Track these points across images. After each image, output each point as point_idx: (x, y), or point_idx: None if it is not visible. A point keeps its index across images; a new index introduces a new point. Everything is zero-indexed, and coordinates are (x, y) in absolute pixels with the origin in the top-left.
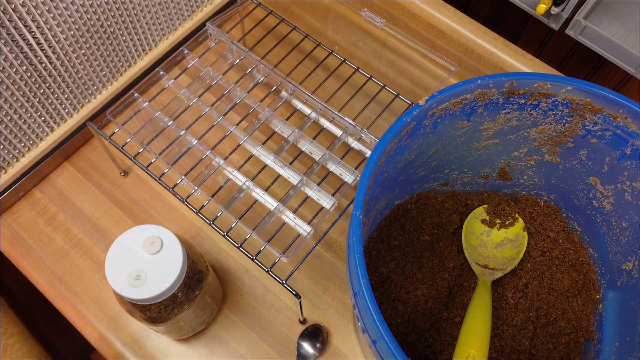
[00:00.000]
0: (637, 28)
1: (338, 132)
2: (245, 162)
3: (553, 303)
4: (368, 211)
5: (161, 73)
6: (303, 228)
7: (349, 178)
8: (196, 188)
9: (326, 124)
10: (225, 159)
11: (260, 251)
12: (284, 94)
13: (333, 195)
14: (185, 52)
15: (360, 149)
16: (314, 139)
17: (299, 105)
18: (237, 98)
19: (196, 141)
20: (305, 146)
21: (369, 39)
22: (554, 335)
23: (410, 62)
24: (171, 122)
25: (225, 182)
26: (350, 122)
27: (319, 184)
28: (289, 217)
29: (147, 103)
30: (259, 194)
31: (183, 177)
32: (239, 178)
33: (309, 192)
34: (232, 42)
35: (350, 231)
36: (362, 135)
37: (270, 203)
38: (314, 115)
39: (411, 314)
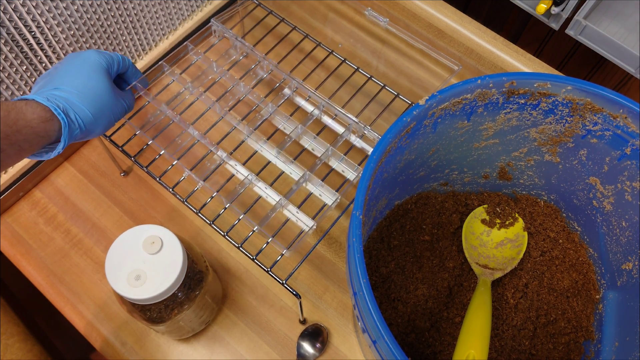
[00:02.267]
0: (637, 28)
1: (341, 129)
2: (249, 158)
3: (553, 303)
4: (368, 211)
5: (165, 68)
6: (305, 223)
7: (351, 175)
8: (201, 182)
9: (329, 121)
10: (230, 153)
11: (260, 251)
12: (287, 90)
13: (337, 191)
14: (190, 47)
15: (362, 147)
16: (317, 134)
17: (302, 102)
18: (241, 94)
19: (201, 137)
20: (308, 143)
21: (369, 39)
22: (554, 335)
23: (411, 62)
24: (178, 116)
25: (229, 178)
26: (354, 118)
27: (322, 179)
28: (291, 212)
29: (152, 98)
30: (261, 189)
31: (189, 171)
32: (241, 172)
33: (312, 188)
34: (236, 39)
35: (350, 231)
36: (365, 132)
37: (273, 198)
38: (317, 112)
39: (411, 314)
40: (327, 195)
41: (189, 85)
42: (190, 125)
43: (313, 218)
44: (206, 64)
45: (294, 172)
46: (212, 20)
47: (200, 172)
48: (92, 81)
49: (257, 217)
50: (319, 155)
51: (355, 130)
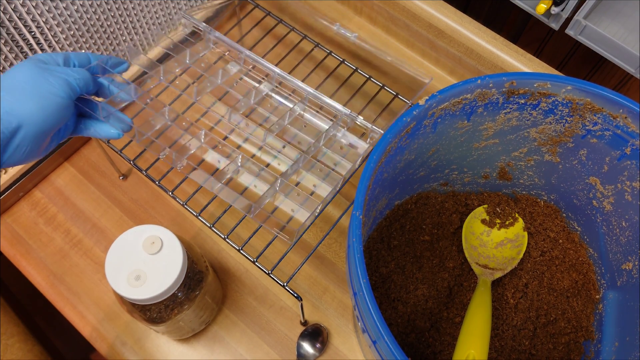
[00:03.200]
0: (637, 28)
1: (330, 121)
2: (247, 161)
3: (553, 303)
4: (368, 211)
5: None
6: (308, 210)
7: (347, 165)
8: (213, 178)
9: (315, 116)
10: (228, 157)
11: (261, 253)
12: (268, 85)
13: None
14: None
15: (351, 142)
16: (315, 131)
17: (287, 96)
18: (231, 94)
19: (201, 140)
20: (303, 139)
21: (368, 39)
22: (554, 335)
23: (412, 62)
24: (176, 116)
25: (229, 181)
26: (344, 109)
27: (325, 177)
28: (293, 201)
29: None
30: (261, 187)
31: (212, 171)
32: (238, 165)
33: (309, 185)
34: (209, 32)
35: (350, 231)
36: (357, 122)
37: (280, 199)
38: (303, 105)
39: (411, 314)
40: (323, 188)
41: (160, 76)
42: (197, 120)
43: (313, 212)
44: (192, 65)
45: (285, 161)
46: (182, 13)
47: (199, 173)
48: (9, 71)
49: (260, 217)
50: (312, 149)
51: (345, 122)
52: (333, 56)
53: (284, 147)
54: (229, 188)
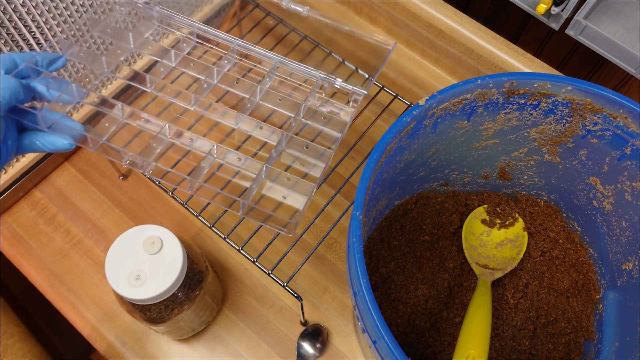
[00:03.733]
0: (637, 28)
1: (307, 90)
2: (223, 152)
3: (553, 303)
4: (368, 211)
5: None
6: (302, 193)
7: (335, 135)
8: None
9: (289, 87)
10: (202, 149)
11: (261, 253)
12: (230, 59)
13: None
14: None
15: (334, 108)
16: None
17: (252, 68)
18: (190, 75)
19: (167, 135)
20: (280, 114)
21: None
22: (554, 335)
23: (410, 62)
24: (166, 125)
25: (229, 181)
26: (319, 73)
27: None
28: (284, 187)
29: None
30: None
31: (187, 176)
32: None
33: (298, 166)
34: (151, 9)
35: (350, 231)
36: (336, 85)
37: (276, 189)
38: (273, 76)
39: (411, 314)
40: (314, 166)
41: (104, 69)
42: (193, 126)
43: (309, 197)
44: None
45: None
46: None
47: (197, 173)
48: None
49: (251, 212)
50: (292, 122)
51: (323, 87)
52: (333, 56)
53: (260, 127)
54: (209, 185)
